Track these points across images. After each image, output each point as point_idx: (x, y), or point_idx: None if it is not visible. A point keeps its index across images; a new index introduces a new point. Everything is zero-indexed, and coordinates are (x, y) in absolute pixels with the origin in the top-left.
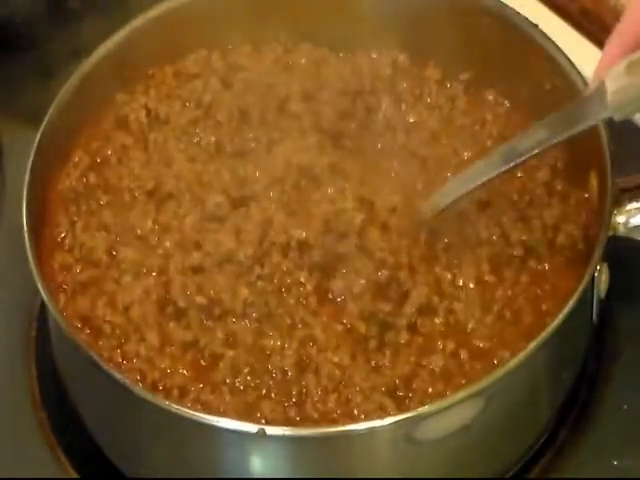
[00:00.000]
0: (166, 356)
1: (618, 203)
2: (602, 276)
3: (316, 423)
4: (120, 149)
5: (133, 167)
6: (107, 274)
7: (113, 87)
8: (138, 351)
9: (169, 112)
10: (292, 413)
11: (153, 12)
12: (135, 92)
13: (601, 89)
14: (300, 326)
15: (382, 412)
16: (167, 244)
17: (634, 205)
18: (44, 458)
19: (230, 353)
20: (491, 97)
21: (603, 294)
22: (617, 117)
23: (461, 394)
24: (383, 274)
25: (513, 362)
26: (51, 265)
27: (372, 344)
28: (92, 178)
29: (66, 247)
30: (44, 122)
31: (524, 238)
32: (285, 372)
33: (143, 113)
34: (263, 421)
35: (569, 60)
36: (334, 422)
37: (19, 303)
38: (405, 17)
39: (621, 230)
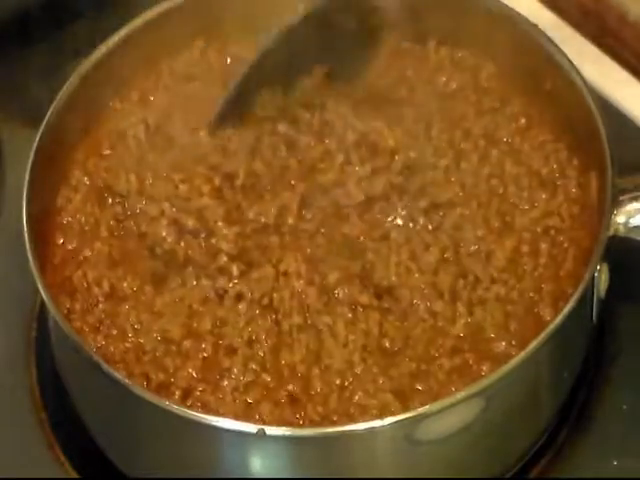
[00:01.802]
0: (180, 352)
1: (618, 203)
2: (602, 276)
3: (316, 424)
4: (126, 180)
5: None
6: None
7: (114, 90)
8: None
9: (171, 131)
10: (289, 414)
11: (152, 12)
12: (130, 99)
13: None
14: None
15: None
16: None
17: (634, 205)
18: (44, 458)
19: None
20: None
21: (603, 294)
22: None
23: (461, 394)
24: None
25: (513, 362)
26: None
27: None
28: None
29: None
30: (44, 122)
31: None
32: (293, 367)
33: (142, 128)
34: (261, 422)
35: (569, 60)
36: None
37: (19, 303)
38: (405, 13)
39: (621, 230)
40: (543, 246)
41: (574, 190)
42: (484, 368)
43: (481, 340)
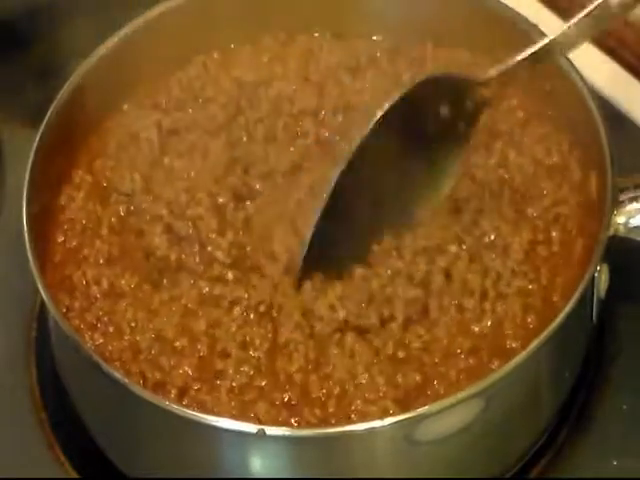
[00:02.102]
0: (175, 351)
1: (618, 203)
2: (602, 276)
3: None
4: (130, 180)
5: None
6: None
7: (114, 90)
8: (150, 348)
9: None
10: (286, 416)
11: (153, 12)
12: (132, 100)
13: None
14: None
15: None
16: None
17: (634, 205)
18: (44, 458)
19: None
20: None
21: (603, 294)
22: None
23: (461, 394)
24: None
25: (513, 362)
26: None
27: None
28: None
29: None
30: (44, 122)
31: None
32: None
33: (155, 132)
34: (257, 422)
35: (569, 60)
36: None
37: (19, 303)
38: (404, 19)
39: (621, 230)
40: (554, 234)
41: (577, 186)
42: (494, 366)
43: (499, 336)
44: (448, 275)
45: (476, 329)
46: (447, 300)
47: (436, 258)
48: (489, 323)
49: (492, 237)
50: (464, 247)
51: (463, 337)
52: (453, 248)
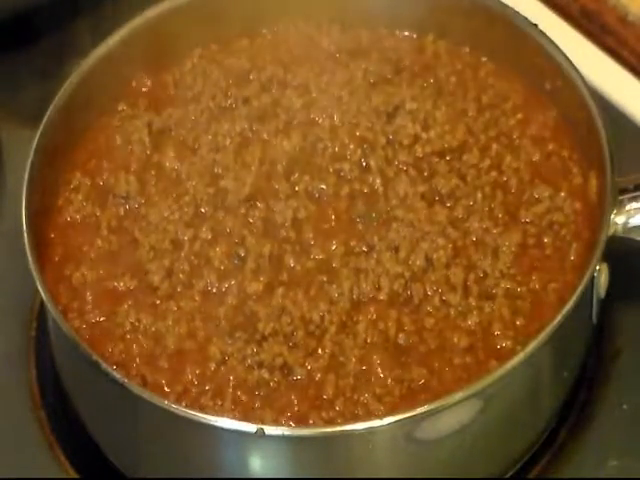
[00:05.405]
0: (177, 355)
1: (618, 203)
2: (602, 276)
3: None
4: (125, 182)
5: (150, 218)
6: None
7: (112, 90)
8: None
9: (176, 136)
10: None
11: (153, 11)
12: (131, 100)
13: None
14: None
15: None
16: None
17: (633, 205)
18: (44, 458)
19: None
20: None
21: (603, 294)
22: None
23: (460, 394)
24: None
25: (512, 362)
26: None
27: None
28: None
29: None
30: (44, 122)
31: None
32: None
33: (146, 132)
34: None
35: (569, 60)
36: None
37: (19, 303)
38: (404, 19)
39: (620, 230)
40: (547, 240)
41: (576, 186)
42: (492, 366)
43: (490, 336)
44: (429, 261)
45: (462, 325)
46: (429, 287)
47: (420, 243)
48: (477, 321)
49: (480, 236)
50: (449, 239)
51: (453, 332)
52: (437, 238)
